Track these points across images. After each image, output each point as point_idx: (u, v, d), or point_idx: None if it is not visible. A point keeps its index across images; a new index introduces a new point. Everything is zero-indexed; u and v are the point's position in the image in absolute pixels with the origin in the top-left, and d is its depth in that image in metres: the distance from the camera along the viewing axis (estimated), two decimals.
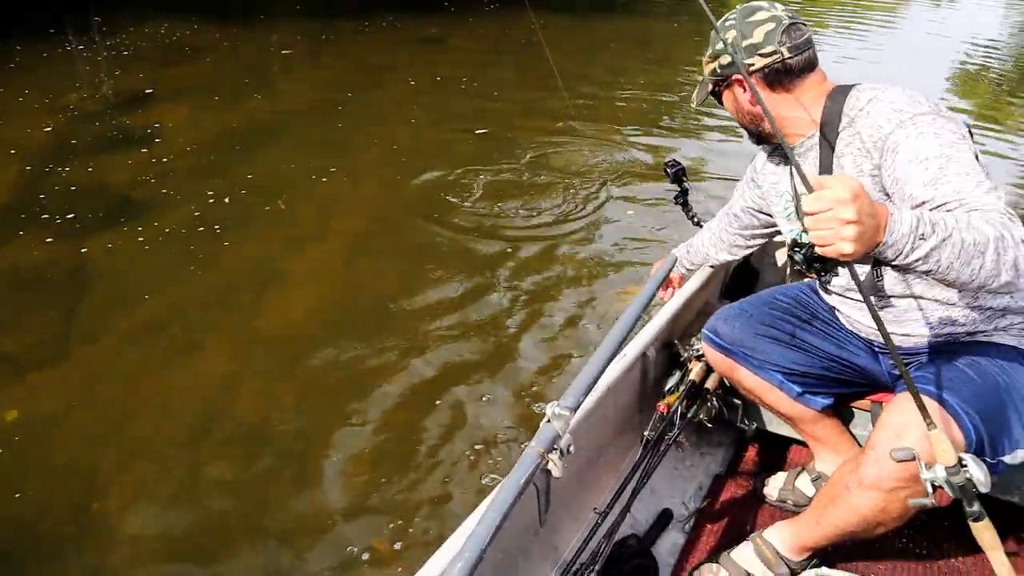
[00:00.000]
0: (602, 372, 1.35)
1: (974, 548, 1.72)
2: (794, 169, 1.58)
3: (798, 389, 1.66)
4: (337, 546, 2.13)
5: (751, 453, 2.07)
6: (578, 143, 5.55)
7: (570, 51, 8.68)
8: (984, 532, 1.19)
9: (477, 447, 2.50)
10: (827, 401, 1.69)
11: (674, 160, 2.25)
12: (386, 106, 6.38)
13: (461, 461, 2.44)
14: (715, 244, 1.98)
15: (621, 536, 1.65)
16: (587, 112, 6.30)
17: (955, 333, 1.47)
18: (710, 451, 2.08)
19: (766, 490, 1.91)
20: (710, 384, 1.81)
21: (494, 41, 9.38)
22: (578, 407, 1.27)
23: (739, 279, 2.37)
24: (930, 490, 1.18)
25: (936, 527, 1.79)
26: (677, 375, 1.82)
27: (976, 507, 1.17)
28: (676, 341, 1.90)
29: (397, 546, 2.11)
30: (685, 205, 2.31)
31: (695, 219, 2.37)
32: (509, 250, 3.87)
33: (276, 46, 8.41)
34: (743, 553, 1.60)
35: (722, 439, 2.11)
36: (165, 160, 4.86)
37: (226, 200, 4.31)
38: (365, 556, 2.09)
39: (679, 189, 2.27)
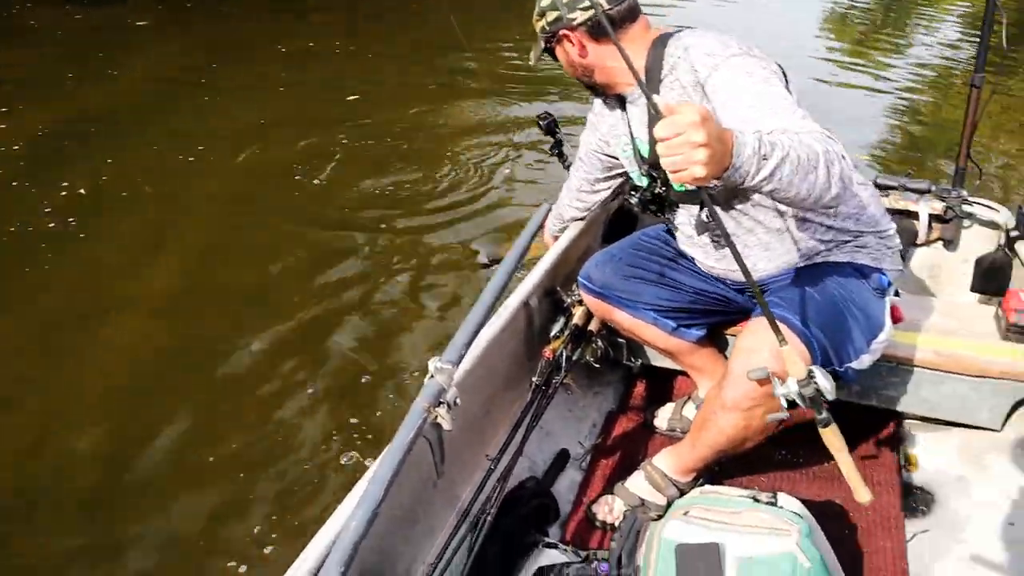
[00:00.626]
0: (482, 325, 1.38)
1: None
2: (628, 112, 1.63)
3: (672, 324, 1.75)
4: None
5: (640, 388, 2.17)
6: (459, 105, 5.48)
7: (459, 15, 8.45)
8: (832, 437, 1.30)
9: (355, 426, 2.44)
10: (700, 332, 1.79)
11: (546, 112, 2.27)
12: (255, 76, 6.10)
13: (337, 445, 2.37)
14: (567, 197, 2.04)
15: (520, 479, 1.71)
16: (469, 73, 6.21)
17: (793, 260, 1.58)
18: (601, 390, 2.16)
19: (656, 421, 2.01)
20: (593, 326, 1.88)
21: (373, 4, 9.06)
22: (460, 360, 1.29)
23: (619, 224, 2.44)
24: (784, 404, 1.28)
25: (810, 439, 1.94)
26: (561, 321, 1.88)
27: (824, 415, 1.27)
28: (559, 288, 1.95)
29: (268, 550, 2.02)
30: (560, 156, 2.35)
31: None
32: (383, 224, 3.76)
33: (131, 16, 7.81)
34: (635, 481, 1.69)
35: (612, 378, 2.19)
36: (13, 148, 4.47)
37: (82, 191, 3.99)
38: (243, 569, 1.98)
39: (553, 140, 2.31)
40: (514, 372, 1.80)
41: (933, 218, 2.35)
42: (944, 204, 2.32)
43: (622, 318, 1.77)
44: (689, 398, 1.98)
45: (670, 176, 1.08)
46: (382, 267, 3.40)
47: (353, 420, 2.47)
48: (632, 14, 1.51)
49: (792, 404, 1.29)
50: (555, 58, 1.63)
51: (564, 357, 1.75)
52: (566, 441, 1.94)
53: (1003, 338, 1.87)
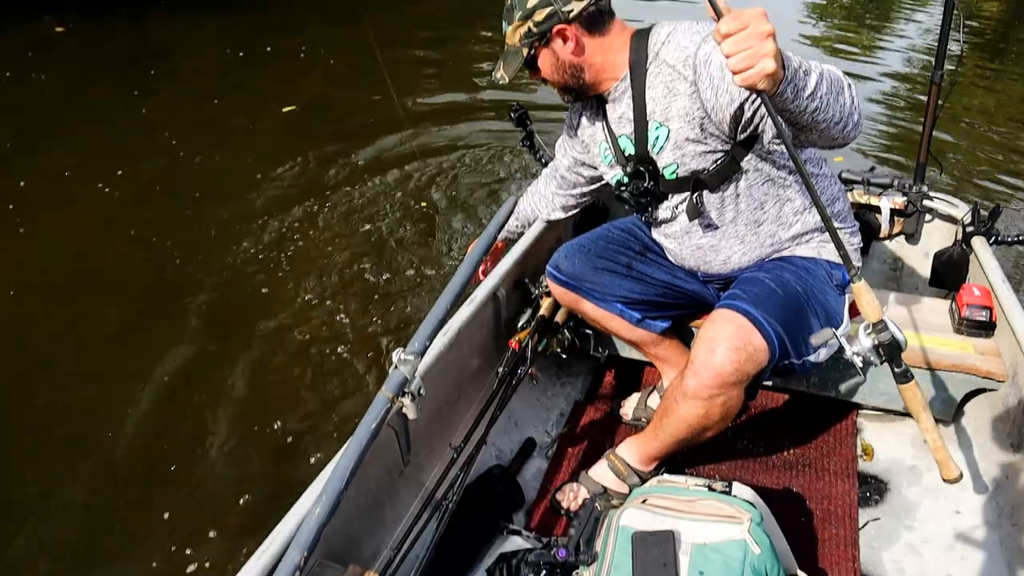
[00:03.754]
0: (447, 315, 1.40)
1: (804, 441, 1.94)
2: (608, 112, 1.62)
3: (638, 315, 1.78)
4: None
5: (608, 379, 2.21)
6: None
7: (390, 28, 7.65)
8: (911, 395, 1.40)
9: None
10: (665, 324, 1.83)
11: (516, 103, 2.29)
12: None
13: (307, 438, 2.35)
14: (546, 207, 2.02)
15: (486, 467, 1.74)
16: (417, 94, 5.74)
17: (765, 253, 1.63)
18: (569, 381, 2.20)
19: (622, 411, 2.05)
20: (559, 318, 1.91)
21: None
22: (424, 351, 1.32)
23: (589, 215, 2.48)
24: (860, 363, 1.35)
25: (771, 430, 2.00)
26: (528, 312, 1.91)
27: (903, 366, 1.37)
28: (527, 280, 1.97)
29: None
30: (532, 147, 2.38)
31: (544, 159, 2.43)
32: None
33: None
34: (599, 469, 1.73)
35: (579, 369, 2.23)
36: None
37: None
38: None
39: (524, 131, 2.33)
40: (481, 363, 1.83)
41: (895, 212, 2.40)
42: (906, 199, 2.38)
43: (589, 309, 1.80)
44: (654, 388, 2.03)
45: (736, 78, 1.03)
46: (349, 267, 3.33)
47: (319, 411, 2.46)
48: (611, 10, 1.53)
49: (867, 363, 1.35)
50: (534, 69, 1.56)
51: (530, 348, 1.78)
52: (533, 430, 1.98)
53: (955, 331, 1.93)
